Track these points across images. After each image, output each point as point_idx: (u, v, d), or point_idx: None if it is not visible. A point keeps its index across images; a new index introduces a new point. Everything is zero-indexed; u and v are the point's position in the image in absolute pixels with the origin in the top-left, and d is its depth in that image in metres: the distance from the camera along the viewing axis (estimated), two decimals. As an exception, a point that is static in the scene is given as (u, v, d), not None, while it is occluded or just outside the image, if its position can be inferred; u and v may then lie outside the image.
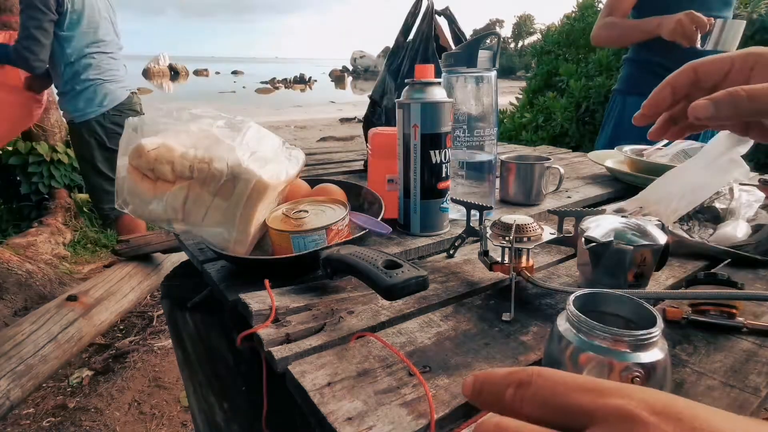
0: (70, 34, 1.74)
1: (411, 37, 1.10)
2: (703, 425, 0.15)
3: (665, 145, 1.07)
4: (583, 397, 0.17)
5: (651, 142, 1.14)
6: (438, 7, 1.09)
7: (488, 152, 0.77)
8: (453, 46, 1.15)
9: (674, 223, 0.67)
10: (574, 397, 0.17)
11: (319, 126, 8.48)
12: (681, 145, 1.02)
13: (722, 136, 0.70)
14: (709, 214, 0.70)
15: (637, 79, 1.53)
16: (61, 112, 1.95)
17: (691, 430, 0.15)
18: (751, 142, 0.68)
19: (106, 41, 1.84)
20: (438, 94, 0.66)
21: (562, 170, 0.90)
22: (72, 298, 1.72)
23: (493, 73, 0.75)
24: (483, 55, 0.71)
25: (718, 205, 0.70)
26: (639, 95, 1.51)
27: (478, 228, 0.59)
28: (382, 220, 0.66)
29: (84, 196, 2.95)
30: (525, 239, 0.52)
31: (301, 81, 26.35)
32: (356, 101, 14.23)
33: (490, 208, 0.59)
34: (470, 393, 0.20)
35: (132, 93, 1.96)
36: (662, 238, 0.50)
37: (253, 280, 0.54)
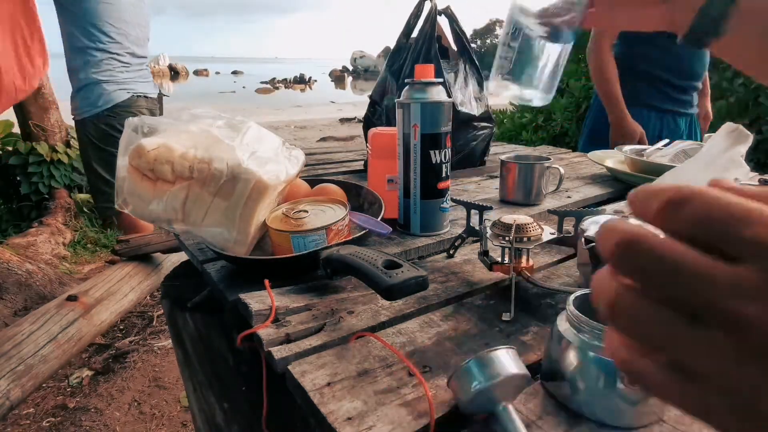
0: (73, 29, 1.71)
1: (413, 37, 1.10)
2: None
3: (665, 145, 1.07)
4: (747, 228, 0.16)
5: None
6: (438, 7, 1.09)
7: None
8: (454, 47, 1.16)
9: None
10: (736, 226, 0.16)
11: (319, 126, 8.47)
12: (681, 145, 1.02)
13: (721, 135, 0.70)
14: (709, 214, 0.69)
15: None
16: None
17: None
18: (750, 141, 0.68)
19: (113, 42, 1.78)
20: (438, 94, 0.66)
21: (562, 170, 0.90)
22: (72, 298, 1.72)
23: None
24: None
25: (718, 205, 0.69)
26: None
27: (478, 228, 0.59)
28: (382, 220, 0.66)
29: (84, 196, 2.95)
30: (525, 239, 0.52)
31: (301, 81, 26.34)
32: (356, 101, 14.23)
33: (490, 208, 0.59)
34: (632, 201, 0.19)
35: (137, 96, 1.90)
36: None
37: (253, 280, 0.53)
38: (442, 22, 1.13)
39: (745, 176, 0.67)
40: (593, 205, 0.91)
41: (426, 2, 1.07)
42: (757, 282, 0.15)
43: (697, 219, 0.17)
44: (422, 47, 1.05)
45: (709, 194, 0.17)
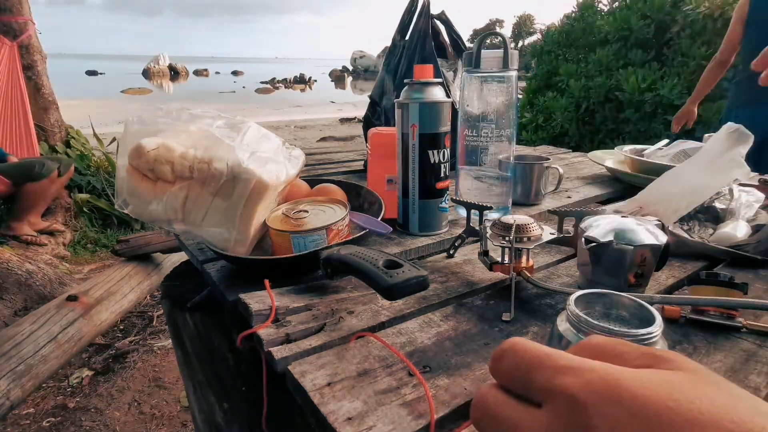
0: None
1: (408, 35, 1.10)
2: (641, 409, 0.15)
3: (666, 145, 1.07)
4: (539, 376, 0.17)
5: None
6: (435, 10, 1.09)
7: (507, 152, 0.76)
8: (451, 49, 1.15)
9: (674, 223, 0.67)
10: (533, 376, 0.17)
11: (319, 126, 8.47)
12: (681, 145, 1.02)
13: (722, 135, 0.70)
14: (709, 214, 0.70)
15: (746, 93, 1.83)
16: None
17: (629, 416, 0.15)
18: (750, 142, 0.68)
19: None
20: (437, 93, 0.66)
21: (561, 170, 0.90)
22: (72, 298, 1.72)
23: (514, 73, 0.74)
24: (490, 56, 0.72)
25: (718, 205, 0.70)
26: (746, 108, 1.79)
27: (478, 228, 0.59)
28: (382, 220, 0.66)
29: (84, 196, 2.95)
30: (525, 239, 0.52)
31: (301, 81, 26.29)
32: (356, 101, 14.21)
33: (490, 207, 0.59)
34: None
35: None
36: (662, 238, 0.50)
37: (253, 280, 0.53)
38: (439, 25, 1.13)
39: (746, 177, 0.67)
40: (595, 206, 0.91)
41: None
42: (546, 425, 0.16)
43: (509, 371, 0.18)
44: (417, 44, 1.05)
45: (519, 346, 0.19)
